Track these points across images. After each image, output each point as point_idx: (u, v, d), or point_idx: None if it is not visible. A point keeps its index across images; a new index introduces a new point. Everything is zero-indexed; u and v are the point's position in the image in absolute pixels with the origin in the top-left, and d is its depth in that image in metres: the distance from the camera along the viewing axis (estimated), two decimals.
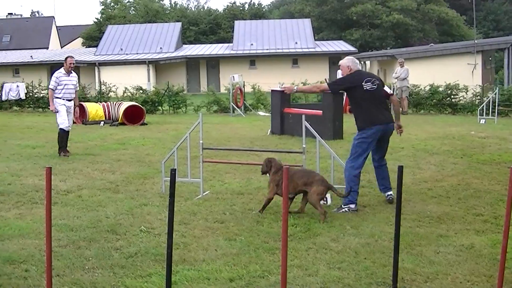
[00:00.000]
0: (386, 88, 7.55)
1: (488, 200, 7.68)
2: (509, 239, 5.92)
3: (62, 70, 11.46)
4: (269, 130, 15.01)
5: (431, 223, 6.62)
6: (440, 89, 22.69)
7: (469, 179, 9.00)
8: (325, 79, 32.48)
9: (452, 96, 22.77)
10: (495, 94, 20.40)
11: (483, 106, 19.60)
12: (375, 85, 7.28)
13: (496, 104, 19.92)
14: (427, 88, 22.85)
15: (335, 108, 13.76)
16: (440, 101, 22.70)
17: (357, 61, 7.55)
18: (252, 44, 47.02)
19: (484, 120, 18.74)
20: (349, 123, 16.13)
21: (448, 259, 5.41)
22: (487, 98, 20.30)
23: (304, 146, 7.41)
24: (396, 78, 21.70)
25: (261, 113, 22.04)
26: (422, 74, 26.00)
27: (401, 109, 21.70)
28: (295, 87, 8.32)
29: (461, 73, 31.18)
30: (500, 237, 6.04)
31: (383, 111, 7.36)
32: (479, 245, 5.81)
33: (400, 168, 3.71)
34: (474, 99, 22.82)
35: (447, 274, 5.02)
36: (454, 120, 19.42)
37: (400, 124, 7.65)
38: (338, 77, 22.94)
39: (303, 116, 7.37)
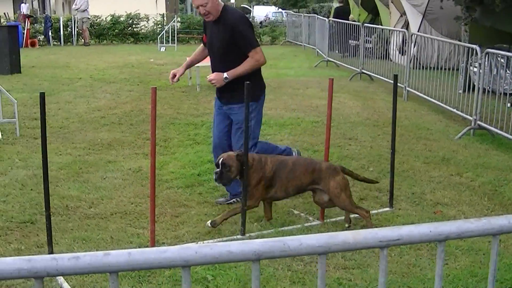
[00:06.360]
0: None
1: (159, 124, 7.92)
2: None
3: None
4: None
5: (101, 150, 6.64)
6: (122, 19, 22.65)
7: (142, 105, 9.21)
8: None
9: (134, 26, 22.93)
10: (175, 22, 21.16)
11: (163, 34, 20.14)
12: None
13: (176, 32, 20.68)
14: (109, 18, 22.60)
15: (11, 42, 12.81)
16: (122, 31, 22.70)
17: None
18: None
19: (164, 47, 19.31)
20: (29, 56, 15.28)
21: (114, 183, 5.49)
22: (167, 26, 20.88)
23: None
24: (77, 9, 21.01)
25: None
26: (102, 4, 25.63)
27: (83, 40, 21.37)
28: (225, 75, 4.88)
29: (144, 2, 31.60)
30: (167, 159, 6.32)
31: None
32: (146, 168, 5.99)
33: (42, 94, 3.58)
34: (155, 28, 23.28)
35: (112, 198, 5.10)
36: (136, 49, 19.61)
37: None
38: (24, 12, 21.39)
39: None
